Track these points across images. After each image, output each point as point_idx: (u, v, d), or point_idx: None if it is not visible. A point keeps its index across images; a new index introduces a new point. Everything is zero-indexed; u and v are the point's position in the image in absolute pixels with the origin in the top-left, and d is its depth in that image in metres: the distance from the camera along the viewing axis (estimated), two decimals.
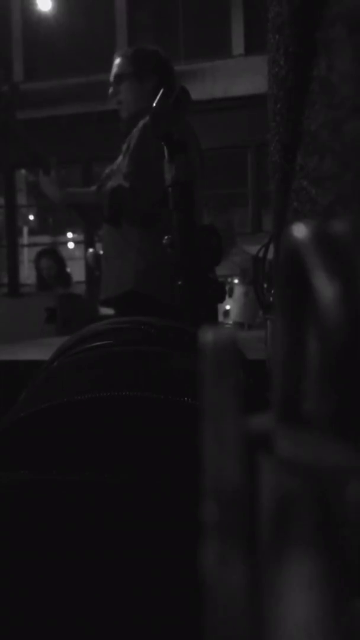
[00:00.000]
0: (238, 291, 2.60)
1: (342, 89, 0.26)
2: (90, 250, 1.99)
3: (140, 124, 1.55)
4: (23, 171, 5.90)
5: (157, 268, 1.47)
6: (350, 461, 0.12)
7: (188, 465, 0.24)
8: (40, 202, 6.57)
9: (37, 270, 3.65)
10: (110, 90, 1.69)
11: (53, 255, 3.63)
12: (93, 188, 1.63)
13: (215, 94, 4.89)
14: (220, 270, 1.40)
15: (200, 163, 1.58)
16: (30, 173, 5.90)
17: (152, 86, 1.62)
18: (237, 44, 5.11)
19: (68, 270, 3.85)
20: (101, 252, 1.77)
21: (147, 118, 1.50)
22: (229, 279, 2.66)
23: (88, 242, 5.51)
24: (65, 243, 6.80)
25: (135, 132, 1.56)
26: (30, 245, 6.26)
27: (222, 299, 0.99)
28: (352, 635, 0.11)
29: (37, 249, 4.34)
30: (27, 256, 6.05)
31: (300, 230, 0.13)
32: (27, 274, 5.63)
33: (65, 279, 3.58)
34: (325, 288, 0.12)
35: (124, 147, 1.61)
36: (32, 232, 6.62)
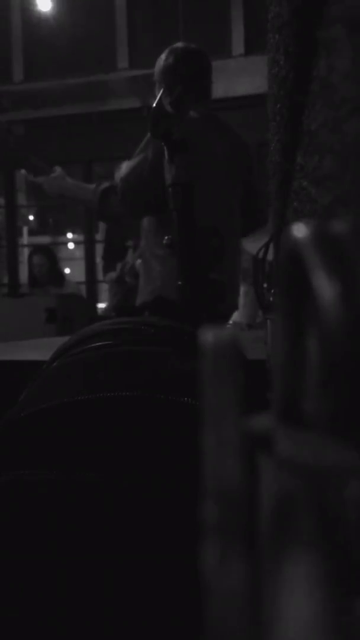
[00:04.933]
0: None
1: (342, 89, 0.26)
2: (138, 260, 2.07)
3: None
4: (23, 171, 5.90)
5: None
6: (350, 461, 0.12)
7: (188, 466, 0.24)
8: (40, 202, 6.58)
9: (29, 267, 3.66)
10: None
11: (46, 253, 3.62)
12: (93, 185, 1.68)
13: (215, 94, 4.89)
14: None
15: (217, 161, 1.57)
16: (29, 173, 5.91)
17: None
18: (237, 44, 5.11)
19: (64, 270, 3.85)
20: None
21: None
22: None
23: (88, 242, 5.52)
24: (66, 243, 6.80)
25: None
26: (30, 245, 6.27)
27: (222, 299, 0.99)
28: (352, 635, 0.11)
29: None
30: (27, 256, 6.05)
31: (300, 230, 0.13)
32: (27, 274, 5.64)
33: (58, 277, 3.57)
34: (325, 288, 0.12)
35: None
36: (32, 232, 6.62)
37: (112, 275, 2.27)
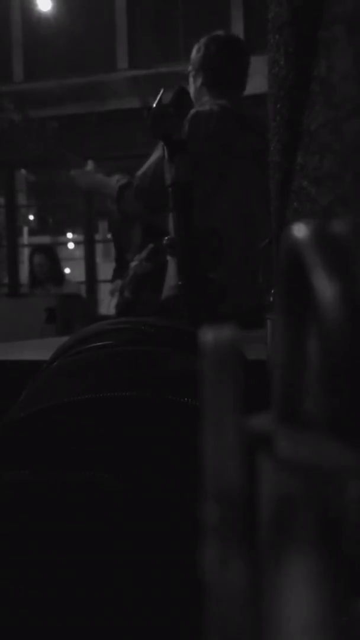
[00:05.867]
0: None
1: (342, 89, 0.26)
2: None
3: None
4: (23, 171, 5.90)
5: None
6: (350, 461, 0.12)
7: (188, 466, 0.24)
8: (40, 202, 6.57)
9: (30, 266, 3.67)
10: None
11: (47, 253, 3.63)
12: (116, 178, 1.66)
13: None
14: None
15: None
16: (30, 173, 5.91)
17: (202, 83, 1.56)
18: None
19: (65, 270, 3.85)
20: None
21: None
22: None
23: (88, 242, 5.52)
24: (65, 243, 6.80)
25: None
26: (30, 245, 6.27)
27: (223, 299, 0.99)
28: (352, 635, 0.11)
29: None
30: (27, 256, 6.05)
31: (300, 230, 0.13)
32: (27, 274, 5.64)
33: (59, 277, 3.57)
34: (325, 288, 0.12)
35: None
36: (32, 232, 6.62)
37: (118, 283, 2.27)
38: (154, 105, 0.90)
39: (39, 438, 0.36)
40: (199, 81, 1.56)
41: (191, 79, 1.60)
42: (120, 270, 2.42)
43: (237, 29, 5.11)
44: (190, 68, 1.60)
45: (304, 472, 0.12)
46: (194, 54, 1.58)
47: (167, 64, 4.69)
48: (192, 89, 1.61)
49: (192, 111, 1.50)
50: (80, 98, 5.11)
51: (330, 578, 0.12)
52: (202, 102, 1.55)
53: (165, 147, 0.90)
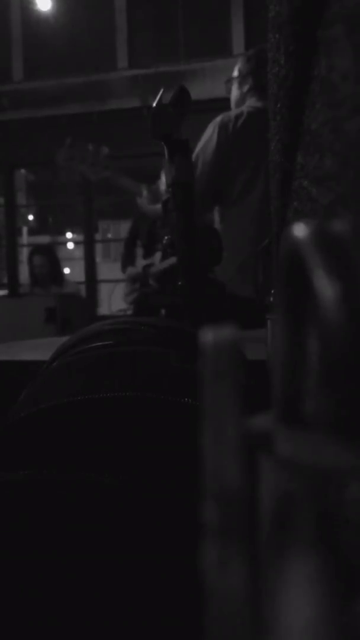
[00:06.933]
0: None
1: (342, 88, 0.26)
2: None
3: None
4: (23, 171, 5.90)
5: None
6: (351, 461, 0.12)
7: (188, 466, 0.24)
8: (40, 202, 6.57)
9: (29, 267, 3.66)
10: None
11: (46, 253, 3.63)
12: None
13: (215, 93, 4.87)
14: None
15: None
16: (30, 173, 5.91)
17: (249, 88, 1.66)
18: (237, 43, 5.10)
19: (65, 270, 3.85)
20: None
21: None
22: None
23: (88, 242, 5.52)
24: (65, 243, 6.80)
25: None
26: (29, 245, 6.26)
27: (222, 299, 0.99)
28: (352, 635, 0.11)
29: None
30: (26, 256, 6.04)
31: (300, 230, 0.13)
32: (27, 274, 5.63)
33: (59, 278, 3.57)
34: (325, 288, 0.12)
35: None
36: (31, 232, 6.61)
37: (132, 271, 2.24)
38: (154, 105, 0.90)
39: (39, 438, 0.36)
40: (246, 87, 1.67)
41: (235, 85, 1.71)
42: (129, 257, 2.42)
43: (237, 29, 5.11)
44: (236, 74, 1.71)
45: (304, 472, 0.12)
46: (242, 63, 1.71)
47: (167, 64, 4.68)
48: (234, 94, 1.72)
49: (218, 118, 1.59)
50: (80, 98, 5.11)
51: (330, 578, 0.12)
52: (243, 105, 1.63)
53: (165, 147, 0.89)
